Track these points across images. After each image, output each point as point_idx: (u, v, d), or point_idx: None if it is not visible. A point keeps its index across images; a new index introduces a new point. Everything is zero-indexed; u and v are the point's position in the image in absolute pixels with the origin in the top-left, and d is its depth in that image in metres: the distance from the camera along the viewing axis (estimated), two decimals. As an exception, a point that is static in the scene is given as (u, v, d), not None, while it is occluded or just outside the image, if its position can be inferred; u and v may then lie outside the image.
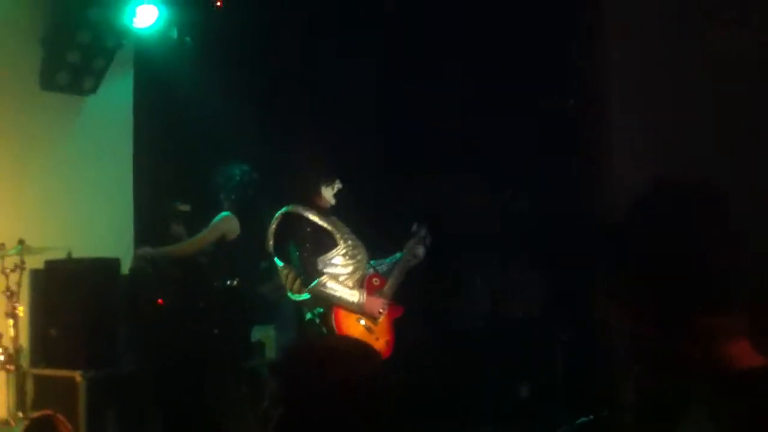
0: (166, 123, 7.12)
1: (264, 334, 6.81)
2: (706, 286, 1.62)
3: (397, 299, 5.40)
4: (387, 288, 5.33)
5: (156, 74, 7.02)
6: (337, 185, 5.31)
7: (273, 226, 5.27)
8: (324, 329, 5.14)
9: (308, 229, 5.17)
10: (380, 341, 5.10)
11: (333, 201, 5.33)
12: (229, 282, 6.04)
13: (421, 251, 5.41)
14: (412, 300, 5.61)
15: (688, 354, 1.64)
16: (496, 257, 7.21)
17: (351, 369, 2.04)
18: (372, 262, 5.44)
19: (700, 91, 5.86)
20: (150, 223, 6.68)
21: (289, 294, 5.31)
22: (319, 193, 5.27)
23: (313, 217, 5.21)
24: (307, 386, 2.01)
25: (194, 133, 7.03)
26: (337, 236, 5.23)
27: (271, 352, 6.82)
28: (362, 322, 5.17)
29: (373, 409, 2.00)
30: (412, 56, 7.27)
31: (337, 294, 5.08)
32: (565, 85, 6.89)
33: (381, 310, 5.21)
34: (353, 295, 5.12)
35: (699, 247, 1.63)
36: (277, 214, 5.27)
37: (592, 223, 6.10)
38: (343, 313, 5.14)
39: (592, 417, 2.17)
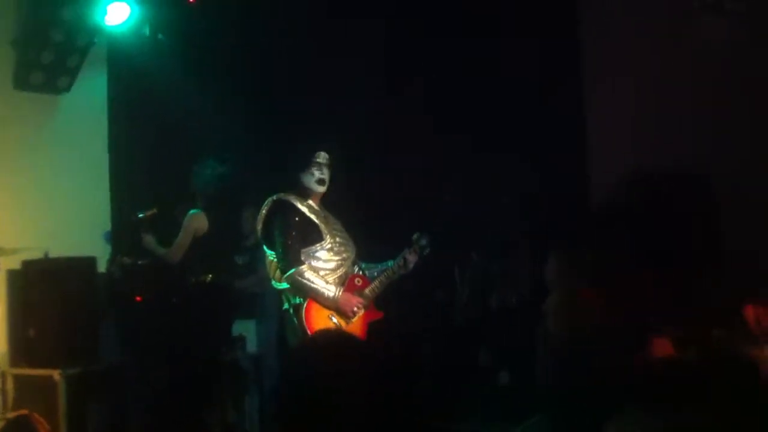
0: (142, 120, 7.11)
1: (245, 328, 6.81)
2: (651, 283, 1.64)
3: (378, 304, 5.32)
4: (369, 290, 5.28)
5: (130, 71, 7.02)
6: (317, 173, 5.21)
7: (263, 212, 5.24)
8: (295, 320, 5.12)
9: (295, 218, 5.13)
10: None
11: (318, 188, 5.24)
12: (202, 278, 6.01)
13: (412, 261, 5.33)
14: (401, 292, 5.56)
15: (621, 345, 1.67)
16: (485, 246, 7.20)
17: (328, 361, 2.04)
18: (363, 264, 5.41)
19: (681, 78, 5.87)
20: (124, 228, 6.65)
21: (273, 282, 5.27)
22: (299, 181, 5.22)
23: (303, 208, 5.18)
24: (292, 383, 2.03)
25: (170, 130, 7.02)
26: (324, 230, 5.19)
27: (252, 346, 6.82)
28: (334, 319, 5.11)
29: (356, 396, 1.98)
30: (400, 54, 7.23)
31: (313, 285, 5.03)
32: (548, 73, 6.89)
33: (355, 309, 5.14)
34: (329, 290, 5.07)
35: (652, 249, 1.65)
36: (267, 201, 5.25)
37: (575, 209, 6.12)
38: (315, 307, 5.10)
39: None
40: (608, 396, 1.67)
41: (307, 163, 5.22)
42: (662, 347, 1.67)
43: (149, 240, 6.16)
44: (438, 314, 7.22)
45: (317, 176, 5.23)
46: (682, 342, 1.69)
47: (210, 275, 6.04)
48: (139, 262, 6.20)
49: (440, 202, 7.05)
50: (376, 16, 7.17)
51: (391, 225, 6.73)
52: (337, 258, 5.21)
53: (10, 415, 5.31)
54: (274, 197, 5.24)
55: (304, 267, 5.05)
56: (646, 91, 5.99)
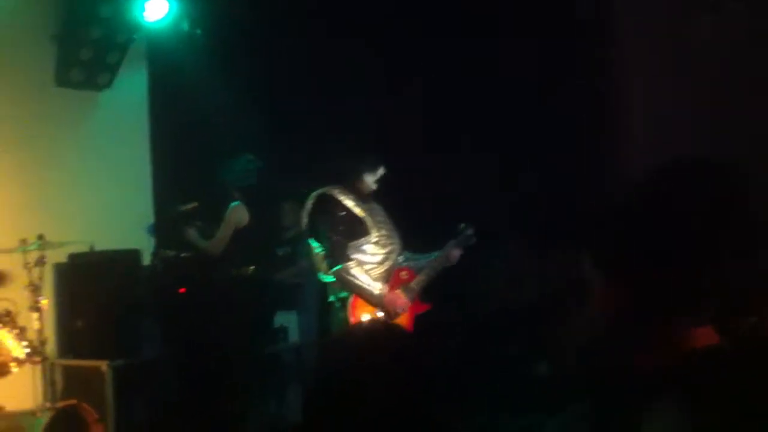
0: (182, 114, 7.19)
1: (287, 319, 6.88)
2: (688, 274, 1.65)
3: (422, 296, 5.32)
4: (414, 283, 5.28)
5: (169, 66, 7.09)
6: (380, 171, 5.28)
7: (308, 206, 5.26)
8: (341, 315, 5.16)
9: (340, 213, 5.16)
10: None
11: (374, 186, 5.30)
12: (244, 270, 6.10)
13: (457, 254, 5.35)
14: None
15: (657, 337, 1.68)
16: (507, 241, 7.17)
17: (377, 353, 2.03)
18: (407, 254, 5.40)
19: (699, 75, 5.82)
20: (166, 223, 6.75)
21: (320, 274, 5.29)
22: (360, 179, 5.26)
23: (348, 202, 5.20)
24: (336, 379, 2.02)
25: (210, 124, 7.09)
26: (370, 224, 5.20)
27: (293, 337, 6.90)
28: (380, 314, 5.11)
29: (397, 389, 1.97)
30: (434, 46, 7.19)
31: (359, 283, 5.06)
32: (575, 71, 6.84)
33: (399, 310, 5.14)
34: (375, 288, 5.09)
35: (690, 237, 1.66)
36: (312, 195, 5.26)
37: (599, 204, 6.05)
38: (361, 301, 5.12)
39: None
40: (645, 388, 1.68)
41: (375, 167, 5.28)
42: (700, 337, 1.68)
43: (191, 233, 6.25)
44: (468, 305, 7.20)
45: (379, 175, 5.29)
46: (721, 331, 1.69)
47: (252, 267, 6.11)
48: (182, 255, 6.29)
49: (469, 195, 7.03)
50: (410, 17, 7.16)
51: (423, 216, 6.75)
52: (383, 251, 5.22)
53: (59, 404, 5.42)
54: (319, 191, 5.25)
55: (351, 264, 5.07)
56: (675, 85, 5.93)
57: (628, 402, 1.66)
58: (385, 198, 5.49)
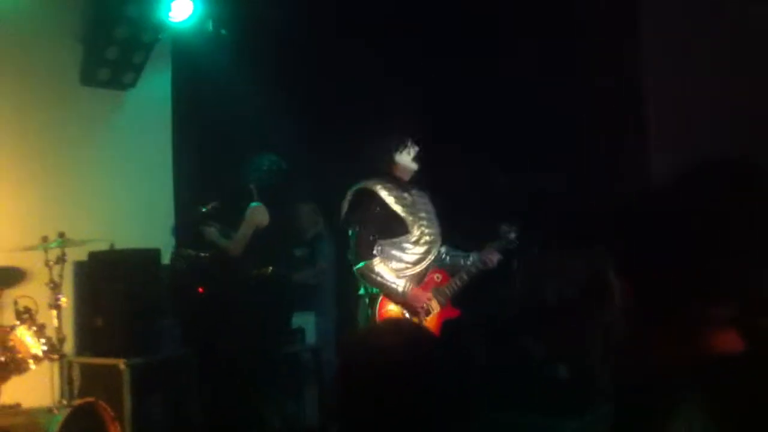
0: (205, 114, 7.22)
1: (304, 320, 6.89)
2: (709, 274, 1.63)
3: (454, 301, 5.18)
4: (447, 287, 5.16)
5: (194, 67, 7.13)
6: (413, 148, 5.09)
7: (348, 199, 5.14)
8: (368, 311, 5.06)
9: (376, 210, 5.04)
10: None
11: (414, 166, 5.11)
12: (262, 270, 6.11)
13: (495, 259, 5.17)
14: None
15: (678, 339, 1.67)
16: (532, 239, 7.12)
17: (399, 352, 2.02)
18: (443, 248, 5.27)
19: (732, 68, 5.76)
20: (186, 223, 6.76)
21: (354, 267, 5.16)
22: (394, 162, 5.10)
23: (389, 198, 5.06)
24: (356, 374, 2.03)
25: (232, 124, 7.11)
26: (410, 222, 5.08)
27: (311, 338, 6.90)
28: (407, 314, 5.00)
29: (423, 391, 1.97)
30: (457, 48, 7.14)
31: (381, 280, 4.95)
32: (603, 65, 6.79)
33: (423, 306, 5.02)
34: (398, 285, 4.96)
35: (711, 235, 1.64)
36: (352, 188, 5.14)
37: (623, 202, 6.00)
38: (389, 301, 5.03)
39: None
40: (669, 392, 1.66)
41: (405, 143, 5.10)
42: (723, 339, 1.66)
43: (212, 232, 6.27)
44: (494, 306, 7.17)
45: (414, 154, 5.11)
46: (745, 333, 1.67)
47: (270, 267, 6.13)
48: (202, 254, 6.31)
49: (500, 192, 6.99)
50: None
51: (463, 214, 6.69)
52: (420, 251, 5.11)
53: (77, 402, 5.44)
54: (359, 186, 5.12)
55: (375, 261, 4.98)
56: (702, 82, 5.89)
57: (650, 405, 1.64)
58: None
